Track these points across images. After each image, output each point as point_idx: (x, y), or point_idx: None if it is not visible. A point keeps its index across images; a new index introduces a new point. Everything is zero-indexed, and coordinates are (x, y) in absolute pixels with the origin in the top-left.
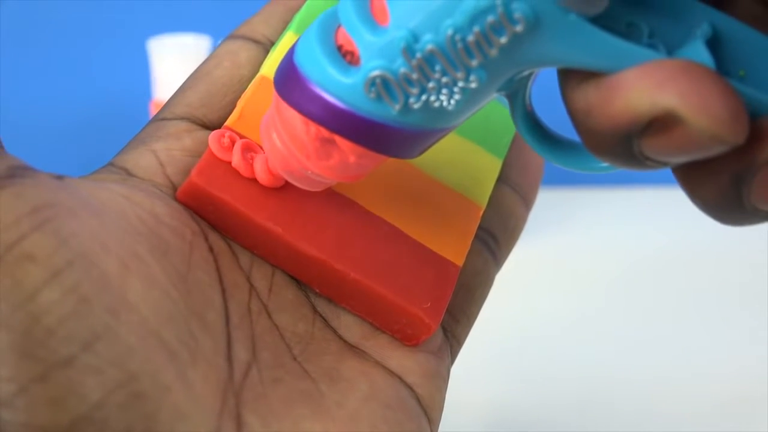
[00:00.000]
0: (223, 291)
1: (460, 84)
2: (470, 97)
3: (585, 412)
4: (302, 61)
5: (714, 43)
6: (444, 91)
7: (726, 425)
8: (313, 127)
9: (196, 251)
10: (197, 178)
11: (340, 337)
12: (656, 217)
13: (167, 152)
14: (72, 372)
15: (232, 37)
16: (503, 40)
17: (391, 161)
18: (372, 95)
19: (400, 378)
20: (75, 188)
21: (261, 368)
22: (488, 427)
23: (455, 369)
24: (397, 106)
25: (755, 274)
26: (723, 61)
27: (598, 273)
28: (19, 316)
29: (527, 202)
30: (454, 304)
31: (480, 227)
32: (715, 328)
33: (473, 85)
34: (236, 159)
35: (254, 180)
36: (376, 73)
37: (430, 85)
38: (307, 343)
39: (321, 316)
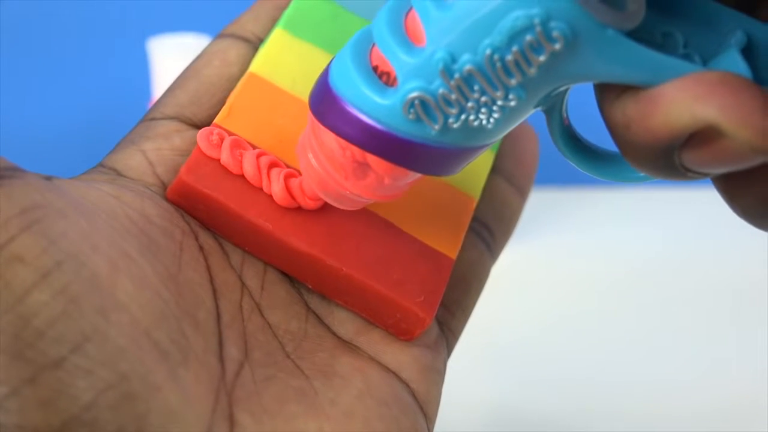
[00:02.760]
0: (214, 290)
1: (499, 103)
2: (509, 115)
3: (583, 412)
4: (337, 83)
5: (748, 51)
6: (483, 110)
7: (724, 428)
8: (349, 150)
9: (186, 251)
10: (186, 176)
11: (334, 334)
12: (656, 218)
13: (157, 152)
14: (62, 373)
15: (221, 35)
16: (542, 58)
17: None
18: (411, 116)
19: (395, 374)
20: (64, 189)
21: (253, 367)
22: (487, 428)
23: (454, 369)
24: (437, 127)
25: (755, 276)
26: (758, 68)
27: (596, 273)
28: (9, 318)
29: (522, 193)
30: (449, 297)
31: (474, 219)
32: (713, 330)
33: (512, 104)
34: (225, 156)
35: (243, 177)
36: (414, 94)
37: (469, 104)
38: (300, 341)
39: (314, 312)
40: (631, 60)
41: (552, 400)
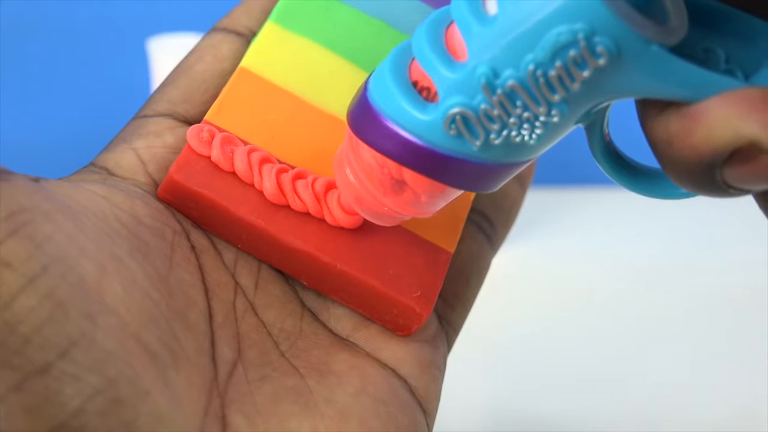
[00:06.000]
0: (206, 290)
1: (542, 119)
2: (551, 131)
3: (583, 413)
4: (377, 99)
5: None
6: (525, 126)
7: (723, 429)
8: (387, 167)
9: (177, 251)
10: (176, 175)
11: (330, 331)
12: (656, 218)
13: (148, 150)
14: (49, 380)
15: (214, 29)
16: (586, 74)
17: None
18: (452, 132)
19: (393, 370)
20: (52, 191)
21: (247, 367)
22: (488, 428)
23: (454, 369)
24: (478, 143)
25: (757, 277)
26: None
27: (597, 274)
28: None
29: (522, 183)
30: (448, 290)
31: (474, 210)
32: (714, 331)
33: (555, 119)
34: (215, 153)
35: (235, 174)
36: (456, 110)
37: (511, 120)
38: (295, 339)
39: (309, 310)
40: (675, 76)
41: (552, 401)
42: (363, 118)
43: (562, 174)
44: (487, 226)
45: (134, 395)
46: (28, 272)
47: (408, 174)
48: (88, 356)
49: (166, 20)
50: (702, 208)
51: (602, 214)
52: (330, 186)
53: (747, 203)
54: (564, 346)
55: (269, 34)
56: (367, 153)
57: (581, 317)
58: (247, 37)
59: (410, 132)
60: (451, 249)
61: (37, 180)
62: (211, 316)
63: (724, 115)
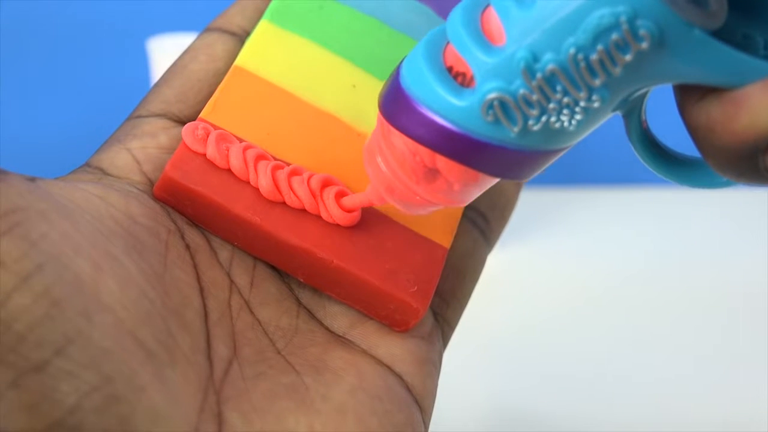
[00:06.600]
0: (201, 288)
1: (582, 104)
2: (591, 117)
3: (582, 413)
4: (410, 85)
5: None
6: (565, 111)
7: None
8: (419, 155)
9: (172, 250)
10: (172, 172)
11: (327, 328)
12: (656, 218)
13: (143, 150)
14: (45, 377)
15: (208, 29)
16: (628, 57)
17: None
18: (489, 118)
19: (389, 367)
20: (47, 190)
21: (243, 364)
22: (486, 427)
23: (453, 368)
24: (516, 129)
25: (756, 278)
26: None
27: (596, 273)
28: None
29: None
30: (444, 286)
31: (469, 207)
32: (712, 330)
33: (595, 105)
34: (211, 150)
35: (230, 171)
36: (493, 95)
37: (551, 105)
38: (291, 336)
39: (305, 308)
40: (716, 60)
41: (549, 399)
42: (395, 104)
43: (559, 174)
44: (482, 222)
45: (130, 392)
46: (22, 271)
47: (441, 162)
48: (84, 353)
49: (166, 20)
50: (700, 208)
51: (600, 214)
52: (326, 183)
53: (746, 204)
54: (561, 345)
55: (264, 32)
56: (400, 140)
57: (578, 316)
58: (241, 37)
59: (445, 118)
60: (447, 245)
61: (32, 179)
62: (206, 315)
63: (767, 101)
